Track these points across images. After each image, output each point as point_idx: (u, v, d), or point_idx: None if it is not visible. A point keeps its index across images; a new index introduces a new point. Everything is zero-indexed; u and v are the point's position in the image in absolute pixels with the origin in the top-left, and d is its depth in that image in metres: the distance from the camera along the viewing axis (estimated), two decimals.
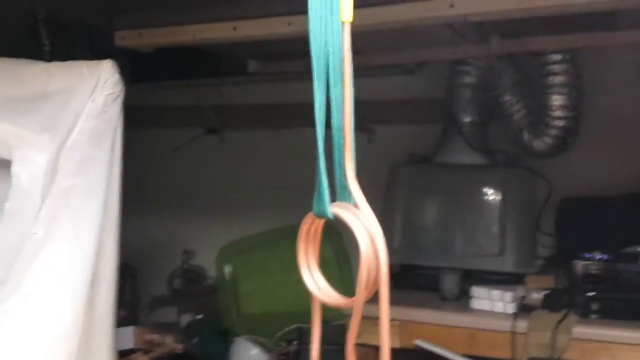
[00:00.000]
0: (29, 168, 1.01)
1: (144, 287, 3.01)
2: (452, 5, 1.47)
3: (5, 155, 1.08)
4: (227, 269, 2.75)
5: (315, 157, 0.53)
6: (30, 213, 0.99)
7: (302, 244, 0.58)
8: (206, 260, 2.91)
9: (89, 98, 1.03)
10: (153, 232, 2.96)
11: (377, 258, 0.53)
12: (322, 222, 0.56)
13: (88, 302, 1.01)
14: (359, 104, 2.23)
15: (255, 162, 2.85)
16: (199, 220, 2.95)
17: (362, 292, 0.54)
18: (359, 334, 0.65)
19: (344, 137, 0.52)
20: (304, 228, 0.58)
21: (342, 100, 0.50)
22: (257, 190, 2.81)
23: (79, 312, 0.99)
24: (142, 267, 2.96)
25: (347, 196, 0.54)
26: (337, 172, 0.54)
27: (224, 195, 2.91)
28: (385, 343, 0.54)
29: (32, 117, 1.06)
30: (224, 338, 2.61)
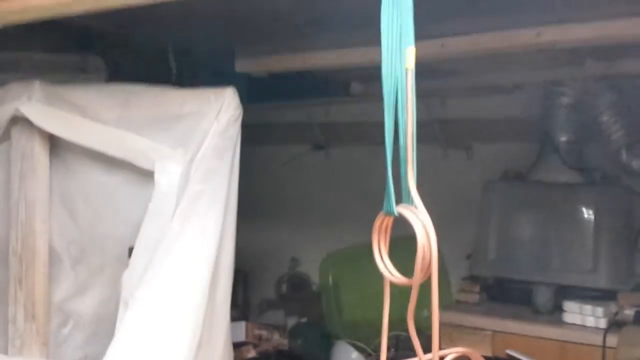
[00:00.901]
0: (167, 176, 1.24)
1: (253, 291, 3.25)
2: (538, 35, 1.58)
3: (147, 166, 1.31)
4: (331, 277, 2.92)
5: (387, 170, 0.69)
6: (168, 212, 1.21)
7: (375, 236, 0.75)
8: (311, 267, 3.11)
9: (215, 119, 1.24)
10: (263, 240, 3.20)
11: (430, 247, 0.69)
12: (391, 219, 0.73)
13: (211, 290, 1.22)
14: (458, 122, 2.38)
15: (357, 176, 3.03)
16: (305, 231, 3.16)
17: (418, 273, 0.70)
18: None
19: (407, 154, 0.68)
20: (377, 224, 0.75)
21: (406, 125, 0.66)
22: (360, 201, 2.98)
23: (203, 297, 1.19)
24: (253, 273, 3.21)
25: (409, 200, 0.71)
26: (403, 181, 0.70)
27: (328, 207, 3.11)
28: (435, 320, 0.70)
29: (170, 135, 1.29)
30: (326, 341, 2.78)
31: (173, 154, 1.27)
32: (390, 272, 0.74)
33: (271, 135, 3.12)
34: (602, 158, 2.39)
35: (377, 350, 2.69)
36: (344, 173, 3.08)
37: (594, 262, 2.21)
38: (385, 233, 0.75)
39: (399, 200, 0.72)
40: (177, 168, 1.24)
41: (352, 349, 2.70)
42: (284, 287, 3.21)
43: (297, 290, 3.15)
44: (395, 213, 0.70)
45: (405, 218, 0.70)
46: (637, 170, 2.30)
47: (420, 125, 0.68)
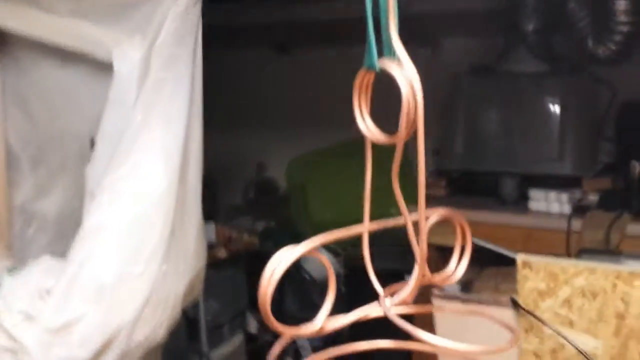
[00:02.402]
0: (127, 64, 1.17)
1: (220, 198, 3.23)
2: None
3: (105, 57, 1.24)
4: (298, 180, 2.92)
5: (365, 21, 0.65)
6: (130, 101, 1.15)
7: (356, 94, 0.71)
8: (278, 172, 3.09)
9: (173, 2, 1.17)
10: (228, 147, 3.15)
11: (415, 102, 0.65)
12: (372, 75, 0.69)
13: (180, 175, 1.18)
14: (422, 16, 2.31)
15: (324, 79, 2.96)
16: (270, 136, 3.12)
17: (403, 130, 0.67)
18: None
19: (388, 3, 0.64)
20: (357, 82, 0.70)
21: None
22: (327, 106, 2.94)
23: (173, 181, 1.16)
24: (219, 180, 3.18)
25: (391, 53, 0.66)
26: (384, 34, 0.66)
27: (294, 112, 3.06)
28: (422, 178, 0.67)
29: (127, 22, 1.22)
30: (296, 242, 2.80)
31: (131, 41, 1.19)
32: (371, 130, 0.71)
33: (231, 37, 3.01)
34: (569, 47, 2.37)
35: (347, 250, 2.72)
36: (310, 77, 3.01)
37: (560, 150, 2.23)
38: (367, 91, 0.71)
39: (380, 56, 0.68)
40: (137, 54, 1.17)
41: (321, 249, 2.73)
42: (252, 193, 3.20)
43: (265, 195, 3.14)
44: (377, 67, 0.66)
45: (388, 72, 0.66)
46: (602, 58, 2.29)
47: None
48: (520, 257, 1.28)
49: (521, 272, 1.28)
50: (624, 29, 2.21)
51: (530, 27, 2.34)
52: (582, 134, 2.24)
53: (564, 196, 2.14)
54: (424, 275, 0.78)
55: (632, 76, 2.27)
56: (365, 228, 0.80)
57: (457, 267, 0.82)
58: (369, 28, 0.64)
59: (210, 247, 2.21)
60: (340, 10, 2.82)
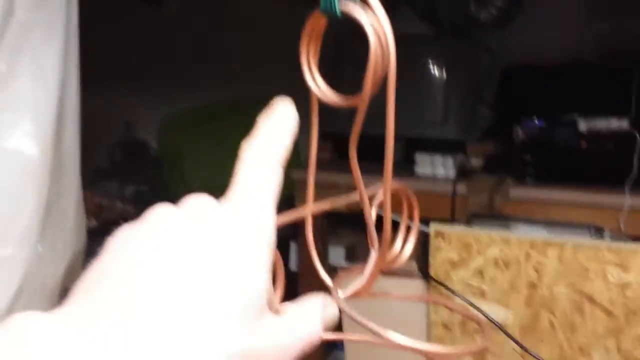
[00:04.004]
0: None
1: (83, 160, 2.94)
2: None
3: None
4: (172, 142, 2.71)
5: None
6: None
7: (304, 42, 0.58)
8: (148, 132, 2.87)
9: None
10: (90, 103, 2.86)
11: (385, 55, 0.54)
12: (324, 21, 0.56)
13: (55, 138, 0.99)
14: None
15: (199, 33, 2.76)
16: (139, 92, 2.87)
17: (368, 89, 0.55)
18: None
19: None
20: (308, 26, 0.58)
21: None
22: (202, 62, 2.74)
23: (46, 146, 0.97)
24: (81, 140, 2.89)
25: None
26: None
27: (165, 67, 2.83)
28: (390, 143, 0.56)
29: None
30: None
31: None
32: (322, 90, 0.58)
33: None
34: (452, 10, 2.35)
35: None
36: (184, 30, 2.79)
37: (444, 114, 2.22)
38: (317, 39, 0.58)
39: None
40: None
41: None
42: (118, 154, 2.94)
43: (134, 158, 2.90)
44: (338, 10, 0.53)
45: (351, 16, 0.53)
46: (484, 22, 2.30)
47: None
48: (433, 227, 1.24)
49: (433, 242, 1.24)
50: None
51: None
52: (465, 98, 2.25)
53: (449, 160, 2.14)
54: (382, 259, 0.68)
55: (513, 41, 2.30)
56: (308, 210, 0.67)
57: (404, 247, 0.73)
58: None
59: None
60: None
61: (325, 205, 0.70)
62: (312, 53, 0.61)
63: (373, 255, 0.69)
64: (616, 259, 1.15)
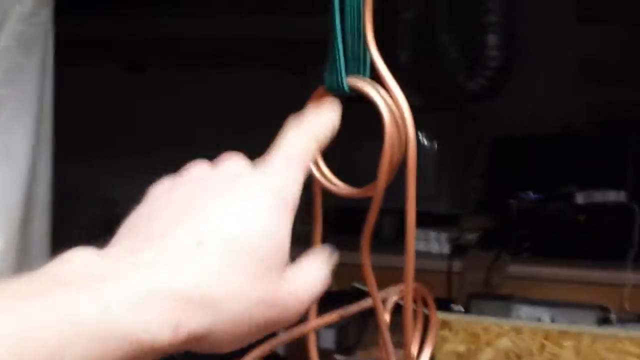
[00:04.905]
0: None
1: (59, 239, 2.82)
2: None
3: None
4: None
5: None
6: None
7: None
8: (131, 208, 2.76)
9: (16, 0, 0.89)
10: (68, 179, 2.77)
11: (402, 137, 0.46)
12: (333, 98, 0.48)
13: (22, 224, 0.90)
14: (291, 44, 2.12)
15: (181, 103, 2.71)
16: (121, 167, 2.79)
17: (384, 177, 0.47)
18: None
19: (361, 3, 0.44)
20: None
21: None
22: (185, 132, 2.68)
23: (12, 234, 0.87)
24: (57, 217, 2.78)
25: (363, 70, 0.46)
26: (350, 40, 0.46)
27: (148, 139, 2.75)
28: (411, 238, 0.48)
29: None
30: None
31: None
32: (327, 177, 0.50)
33: (75, 52, 2.66)
34: (441, 81, 2.33)
35: None
36: (166, 100, 2.74)
37: (436, 187, 2.16)
38: None
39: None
40: None
41: None
42: (98, 232, 2.82)
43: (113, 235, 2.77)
44: (346, 87, 0.45)
45: (363, 93, 0.45)
46: (474, 93, 2.27)
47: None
48: (437, 316, 1.14)
49: (438, 332, 1.14)
50: (494, 63, 2.20)
51: (403, 58, 2.27)
52: (456, 171, 2.20)
53: (443, 235, 2.06)
54: None
55: (503, 112, 2.26)
56: (310, 326, 0.58)
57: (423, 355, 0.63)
58: (335, 29, 0.44)
59: None
60: (204, 29, 2.60)
61: (333, 317, 0.60)
62: None
63: None
64: (637, 350, 1.06)
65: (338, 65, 0.44)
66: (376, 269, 1.63)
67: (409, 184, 0.46)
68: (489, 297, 1.64)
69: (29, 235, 0.95)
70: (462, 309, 1.64)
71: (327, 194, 0.58)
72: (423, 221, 2.09)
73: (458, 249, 2.02)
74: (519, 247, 1.93)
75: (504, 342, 1.13)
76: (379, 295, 0.59)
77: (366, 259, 0.53)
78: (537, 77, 2.28)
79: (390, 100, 0.46)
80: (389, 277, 1.76)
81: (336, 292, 1.97)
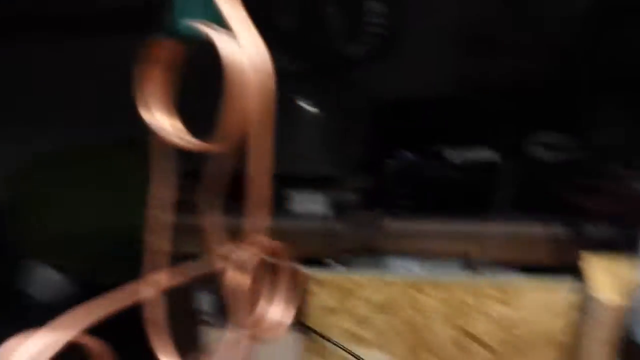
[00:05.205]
0: None
1: None
2: None
3: None
4: (17, 190, 2.47)
5: None
6: None
7: (148, 73, 0.48)
8: None
9: None
10: None
11: (255, 88, 0.45)
12: (176, 48, 0.47)
13: None
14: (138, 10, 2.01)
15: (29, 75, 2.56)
16: None
17: (227, 130, 0.46)
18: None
19: None
20: (151, 55, 0.48)
21: None
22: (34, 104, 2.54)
23: None
24: None
25: (207, 14, 0.45)
26: None
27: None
28: (263, 198, 0.48)
29: None
30: (16, 265, 2.37)
31: None
32: (167, 128, 0.49)
33: None
34: (323, 47, 2.34)
35: (80, 268, 2.37)
36: (14, 70, 2.57)
37: (317, 150, 2.19)
38: (165, 70, 0.49)
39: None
40: None
41: (52, 271, 2.34)
42: None
43: None
44: (194, 32, 0.44)
45: (212, 40, 0.44)
46: (354, 58, 2.31)
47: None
48: (304, 273, 1.16)
49: (308, 288, 1.16)
50: (374, 30, 2.24)
51: (283, 24, 2.26)
52: (336, 133, 2.23)
53: (324, 197, 2.09)
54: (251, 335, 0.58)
55: (383, 76, 2.31)
56: (150, 289, 0.56)
57: (283, 313, 0.63)
58: None
59: None
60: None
61: (172, 280, 0.59)
62: (157, 86, 0.51)
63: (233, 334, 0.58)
64: (498, 295, 1.13)
65: (180, 9, 0.43)
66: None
67: (260, 137, 0.45)
68: (363, 252, 1.69)
69: None
70: (336, 264, 1.69)
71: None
72: (305, 183, 2.13)
73: (339, 210, 2.07)
74: (396, 206, 2.00)
75: (371, 294, 1.17)
76: (234, 254, 0.59)
77: (208, 218, 0.52)
78: (415, 42, 2.35)
79: (245, 49, 0.44)
80: (274, 237, 1.75)
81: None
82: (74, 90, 2.53)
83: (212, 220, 0.53)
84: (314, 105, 2.21)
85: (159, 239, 0.53)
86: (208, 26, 0.44)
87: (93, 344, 0.44)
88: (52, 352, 0.38)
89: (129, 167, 2.28)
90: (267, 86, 0.42)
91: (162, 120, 0.48)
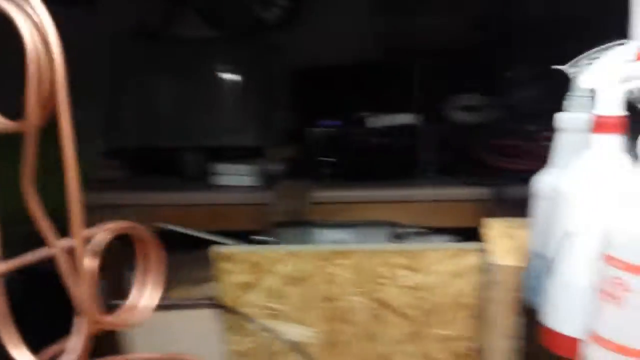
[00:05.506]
0: None
1: None
2: None
3: None
4: None
5: None
6: None
7: None
8: None
9: None
10: None
11: (51, 64, 0.42)
12: None
13: None
14: None
15: None
16: None
17: (33, 109, 0.43)
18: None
19: None
20: None
21: None
22: None
23: None
24: None
25: None
26: None
27: None
28: (74, 185, 0.45)
29: None
30: None
31: None
32: None
33: None
34: (238, 12, 2.28)
35: None
36: None
37: (239, 120, 2.15)
38: None
39: None
40: None
41: None
42: None
43: None
44: None
45: (4, 12, 0.41)
46: (270, 22, 2.27)
47: None
48: (214, 250, 1.14)
49: (219, 265, 1.15)
50: None
51: None
52: (259, 102, 2.19)
53: (250, 168, 2.07)
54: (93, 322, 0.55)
55: (302, 42, 2.28)
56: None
57: (143, 298, 0.61)
58: None
59: None
60: None
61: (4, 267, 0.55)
62: None
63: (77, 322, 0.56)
64: (405, 261, 1.14)
65: None
66: (183, 206, 1.60)
67: (61, 121, 0.42)
68: (292, 223, 1.68)
69: None
70: (265, 237, 1.67)
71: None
72: (230, 154, 2.10)
73: (266, 180, 2.05)
74: (321, 174, 2.00)
75: (284, 268, 1.16)
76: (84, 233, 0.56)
77: (34, 203, 0.49)
78: (332, 6, 2.32)
79: (36, 20, 0.41)
80: (198, 212, 1.73)
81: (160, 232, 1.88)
82: None
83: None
84: (235, 73, 2.16)
85: None
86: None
87: None
88: None
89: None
90: (58, 58, 0.40)
91: None
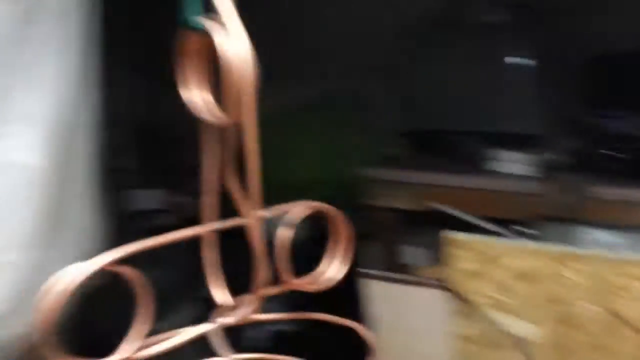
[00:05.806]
0: None
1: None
2: None
3: None
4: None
5: None
6: None
7: (186, 63, 0.56)
8: None
9: None
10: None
11: (244, 66, 0.51)
12: (197, 38, 0.54)
13: (63, 144, 1.01)
14: None
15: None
16: None
17: (231, 110, 0.52)
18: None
19: None
20: (185, 46, 0.56)
21: None
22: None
23: (52, 153, 0.98)
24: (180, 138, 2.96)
25: (202, 10, 0.52)
26: None
27: None
28: (254, 170, 0.53)
29: None
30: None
31: None
32: (204, 105, 0.56)
33: None
34: None
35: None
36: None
37: (530, 107, 2.09)
38: (199, 57, 0.56)
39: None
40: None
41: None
42: None
43: None
44: (198, 26, 0.51)
45: (209, 32, 0.51)
46: (569, 7, 2.13)
47: None
48: (446, 235, 1.16)
49: (449, 250, 1.16)
50: None
51: None
52: (547, 90, 2.10)
53: (528, 157, 2.01)
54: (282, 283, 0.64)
55: (602, 27, 2.10)
56: (204, 229, 0.65)
57: (329, 268, 0.69)
58: None
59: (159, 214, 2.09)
60: None
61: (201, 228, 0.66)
62: (193, 70, 0.59)
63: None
64: None
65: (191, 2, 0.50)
66: (461, 189, 1.67)
67: (247, 126, 0.50)
68: (560, 220, 1.59)
69: (72, 152, 1.07)
70: (527, 229, 1.63)
71: None
72: (510, 141, 2.06)
73: (544, 171, 1.97)
74: (607, 169, 1.84)
75: (516, 262, 1.13)
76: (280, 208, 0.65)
77: (233, 182, 0.58)
78: None
79: (233, 40, 0.50)
80: (475, 197, 1.78)
81: (412, 211, 2.00)
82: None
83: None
84: (524, 59, 2.10)
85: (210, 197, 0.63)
86: (208, 20, 0.51)
87: (128, 271, 0.55)
88: (84, 275, 0.50)
89: (338, 123, 2.42)
90: (247, 70, 0.48)
91: (196, 97, 0.56)
